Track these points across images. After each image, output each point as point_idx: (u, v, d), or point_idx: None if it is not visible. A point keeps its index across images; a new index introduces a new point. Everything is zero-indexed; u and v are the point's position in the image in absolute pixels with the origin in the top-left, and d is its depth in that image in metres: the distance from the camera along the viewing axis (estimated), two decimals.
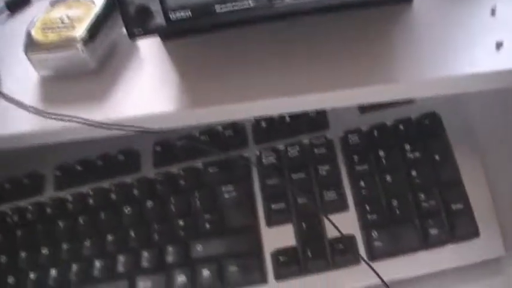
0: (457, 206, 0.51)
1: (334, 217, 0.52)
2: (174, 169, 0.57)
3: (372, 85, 0.44)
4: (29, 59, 0.50)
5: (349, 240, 0.51)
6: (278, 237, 0.52)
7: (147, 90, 0.49)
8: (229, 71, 0.48)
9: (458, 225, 0.50)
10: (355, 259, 0.50)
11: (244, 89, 0.46)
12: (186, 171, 0.56)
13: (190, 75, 0.49)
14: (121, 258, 0.54)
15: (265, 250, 0.52)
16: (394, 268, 0.50)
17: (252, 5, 0.41)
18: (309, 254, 0.51)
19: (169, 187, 0.56)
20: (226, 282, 0.51)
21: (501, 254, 0.50)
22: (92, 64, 0.49)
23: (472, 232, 0.50)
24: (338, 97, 0.45)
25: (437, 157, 0.52)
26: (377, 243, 0.50)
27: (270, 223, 0.53)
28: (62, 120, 0.47)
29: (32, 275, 0.54)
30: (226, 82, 0.47)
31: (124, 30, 0.44)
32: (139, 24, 0.43)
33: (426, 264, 0.50)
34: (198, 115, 0.47)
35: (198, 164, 0.56)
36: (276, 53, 0.48)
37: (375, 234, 0.51)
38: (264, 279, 0.51)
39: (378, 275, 0.48)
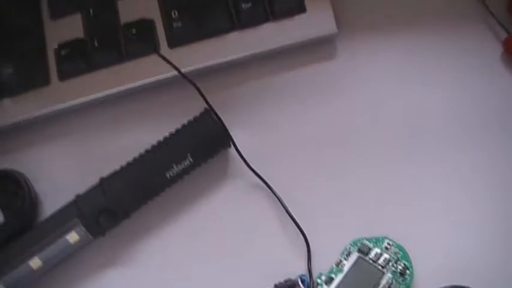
0: None
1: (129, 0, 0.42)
2: None
3: None
4: None
5: (147, 25, 0.41)
6: (64, 30, 0.43)
7: None
8: None
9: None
10: (153, 47, 0.40)
11: None
12: None
13: None
14: None
15: (48, 47, 0.42)
16: (200, 55, 0.41)
17: None
18: (98, 44, 0.41)
19: None
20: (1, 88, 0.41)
21: (332, 31, 0.41)
22: None
23: (296, 7, 0.41)
24: None
25: None
26: (178, 26, 0.41)
27: (54, 15, 0.43)
28: None
29: None
30: None
31: None
32: None
33: (240, 47, 0.41)
34: None
35: None
36: None
37: (175, 15, 0.41)
38: (46, 81, 0.41)
39: (173, 66, 0.38)
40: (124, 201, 0.37)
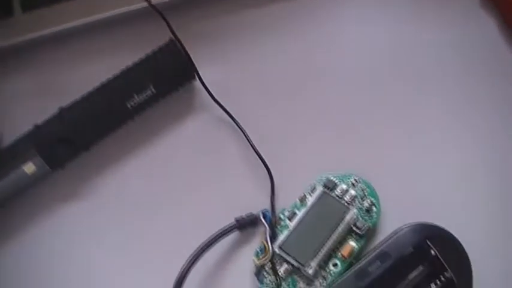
0: None
1: None
2: None
3: None
4: None
5: None
6: None
7: None
8: None
9: None
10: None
11: None
12: None
13: None
14: None
15: None
16: None
17: None
18: None
19: None
20: None
21: None
22: None
23: None
24: None
25: None
26: None
27: None
28: None
29: None
30: None
31: None
32: None
33: None
34: None
35: None
36: None
37: None
38: (8, 12, 0.40)
39: None
40: (83, 131, 0.35)
